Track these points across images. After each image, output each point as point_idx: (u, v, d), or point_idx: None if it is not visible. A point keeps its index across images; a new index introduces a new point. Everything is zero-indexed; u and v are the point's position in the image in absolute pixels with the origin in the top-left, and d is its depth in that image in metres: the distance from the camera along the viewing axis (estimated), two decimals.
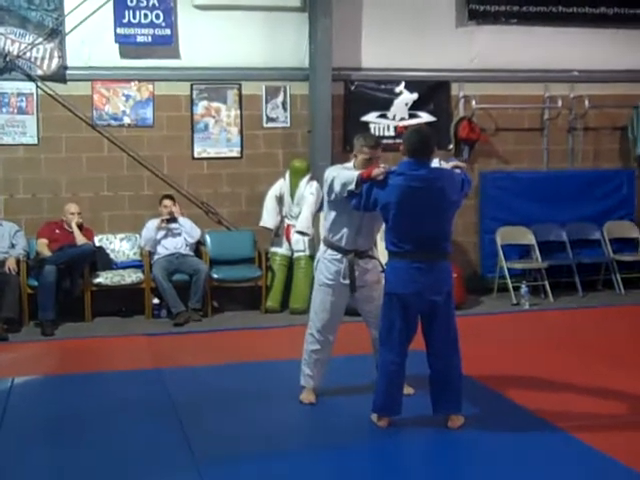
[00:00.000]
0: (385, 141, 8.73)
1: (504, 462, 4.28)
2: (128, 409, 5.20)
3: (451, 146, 8.95)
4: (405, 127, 8.79)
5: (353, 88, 8.70)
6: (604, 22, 9.12)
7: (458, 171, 4.79)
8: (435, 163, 4.81)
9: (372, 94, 8.76)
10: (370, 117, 8.78)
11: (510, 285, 8.46)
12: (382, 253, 5.00)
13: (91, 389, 5.67)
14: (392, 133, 8.82)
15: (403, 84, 8.79)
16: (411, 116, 8.85)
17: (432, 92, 8.89)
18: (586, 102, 9.07)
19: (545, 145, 9.25)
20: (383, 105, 8.78)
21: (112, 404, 5.31)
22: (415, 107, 8.85)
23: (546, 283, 8.58)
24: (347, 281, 4.95)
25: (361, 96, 8.72)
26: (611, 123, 9.35)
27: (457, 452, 4.49)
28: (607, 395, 5.28)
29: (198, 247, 8.21)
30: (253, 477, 4.15)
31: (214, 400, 5.30)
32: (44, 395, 5.63)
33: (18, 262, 7.54)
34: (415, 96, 8.82)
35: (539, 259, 8.67)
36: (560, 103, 9.07)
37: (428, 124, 8.81)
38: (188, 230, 8.01)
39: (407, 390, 5.14)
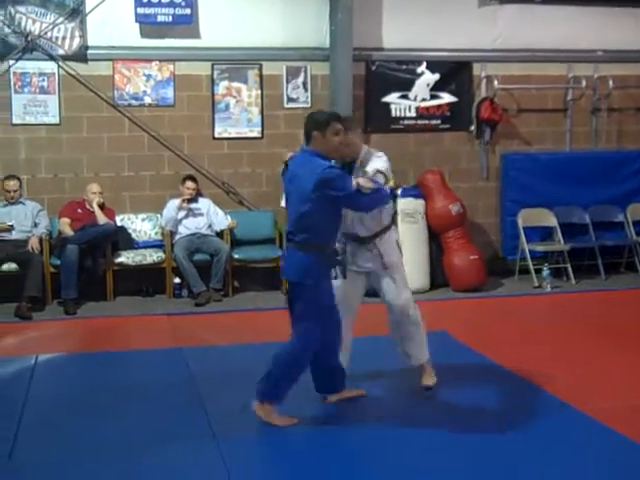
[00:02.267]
0: (406, 122, 8.77)
1: (522, 444, 4.26)
2: (149, 387, 5.24)
3: (472, 127, 8.88)
4: (427, 108, 8.79)
5: (374, 68, 8.64)
6: (629, 1, 8.98)
7: (362, 181, 4.37)
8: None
9: (393, 74, 8.70)
10: (391, 98, 8.72)
11: (532, 267, 8.41)
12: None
13: (113, 367, 5.73)
14: (413, 114, 8.76)
15: (425, 64, 8.71)
16: (432, 97, 8.78)
17: (454, 72, 8.82)
18: (610, 82, 8.96)
19: (568, 126, 9.15)
20: (404, 86, 8.72)
21: (133, 382, 5.36)
22: (437, 88, 8.78)
23: (568, 266, 8.52)
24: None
25: (382, 76, 8.66)
26: (635, 104, 9.23)
27: (480, 436, 4.47)
28: (630, 378, 5.25)
29: None
30: (272, 453, 4.21)
31: (234, 379, 5.31)
32: (67, 372, 5.70)
33: (41, 241, 7.58)
34: (437, 76, 8.75)
35: (561, 241, 8.60)
36: (584, 83, 8.97)
37: (449, 105, 8.81)
38: (217, 220, 8.05)
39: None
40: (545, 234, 8.79)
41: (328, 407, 4.82)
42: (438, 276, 8.30)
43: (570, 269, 8.50)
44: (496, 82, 8.78)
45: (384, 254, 4.86)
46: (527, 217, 8.69)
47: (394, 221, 5.12)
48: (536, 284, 8.27)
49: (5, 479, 3.98)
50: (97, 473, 4.01)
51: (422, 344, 5.00)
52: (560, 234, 8.62)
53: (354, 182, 4.36)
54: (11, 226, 7.50)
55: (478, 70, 8.87)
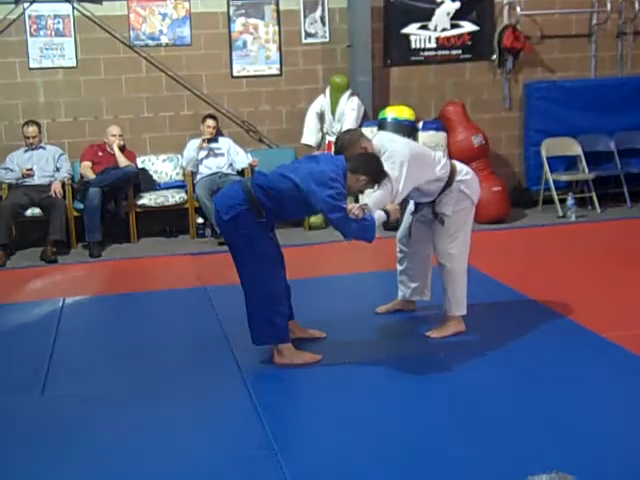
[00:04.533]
0: (426, 53, 8.62)
1: (548, 370, 4.29)
2: (175, 325, 5.33)
3: (494, 56, 8.71)
4: (447, 38, 8.61)
5: None
6: None
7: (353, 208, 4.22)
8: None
9: (412, 5, 8.51)
10: (411, 29, 8.55)
11: (556, 197, 8.32)
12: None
13: (138, 307, 5.80)
14: (433, 45, 8.60)
15: None
16: (453, 26, 8.60)
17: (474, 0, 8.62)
18: (636, 5, 8.69)
19: (593, 52, 8.94)
20: (424, 16, 8.54)
21: (159, 321, 5.46)
22: (457, 16, 8.59)
23: (593, 195, 8.42)
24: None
25: (401, 7, 8.48)
26: None
27: (508, 361, 4.50)
28: None
29: None
30: (296, 387, 4.30)
31: None
32: (94, 313, 5.81)
33: (63, 185, 7.61)
34: (457, 5, 8.55)
35: (586, 170, 8.48)
36: (609, 7, 8.71)
37: (470, 34, 8.63)
38: (238, 159, 8.02)
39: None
40: (569, 163, 8.67)
41: (354, 344, 4.85)
42: None
43: (595, 198, 8.40)
44: (518, 8, 8.57)
45: (438, 204, 4.76)
46: (551, 146, 8.57)
47: (454, 174, 4.71)
48: (560, 214, 8.20)
49: (38, 413, 4.09)
50: (126, 406, 4.09)
51: (455, 299, 4.83)
52: (585, 163, 8.50)
53: (349, 206, 4.24)
54: (30, 169, 7.53)
55: None
